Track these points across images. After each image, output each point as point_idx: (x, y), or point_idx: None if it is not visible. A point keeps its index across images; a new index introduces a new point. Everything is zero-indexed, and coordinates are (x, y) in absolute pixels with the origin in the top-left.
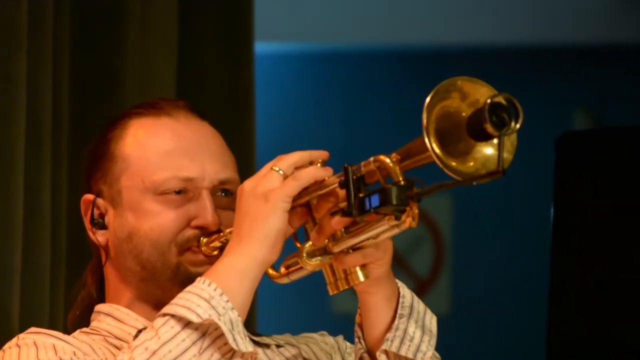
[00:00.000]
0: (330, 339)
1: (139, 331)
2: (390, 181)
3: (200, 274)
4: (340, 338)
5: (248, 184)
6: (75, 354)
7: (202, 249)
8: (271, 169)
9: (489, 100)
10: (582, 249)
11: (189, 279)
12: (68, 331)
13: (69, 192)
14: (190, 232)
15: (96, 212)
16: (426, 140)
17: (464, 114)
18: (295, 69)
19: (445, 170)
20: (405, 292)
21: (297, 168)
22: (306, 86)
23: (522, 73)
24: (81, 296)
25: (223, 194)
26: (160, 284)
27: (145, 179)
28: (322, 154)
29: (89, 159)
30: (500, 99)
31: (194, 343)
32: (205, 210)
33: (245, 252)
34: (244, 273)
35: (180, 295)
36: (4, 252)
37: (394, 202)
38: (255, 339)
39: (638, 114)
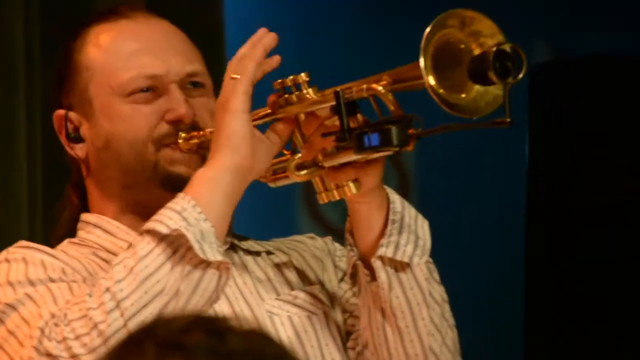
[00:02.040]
0: (319, 242)
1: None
2: (385, 113)
3: (178, 173)
4: (329, 240)
5: (217, 100)
6: (64, 271)
7: (180, 144)
8: (230, 77)
9: (494, 48)
10: (556, 180)
11: (168, 178)
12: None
13: (44, 139)
14: (165, 127)
15: (70, 126)
16: (423, 72)
17: (462, 46)
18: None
19: (437, 101)
20: (395, 198)
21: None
22: (261, 15)
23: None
24: (65, 212)
25: (193, 86)
26: (142, 187)
27: (112, 83)
28: (270, 38)
29: (56, 75)
30: (506, 47)
31: (168, 258)
32: (177, 103)
33: (214, 162)
34: (215, 182)
35: (160, 211)
36: None
37: (395, 142)
38: (244, 246)
39: (597, 43)
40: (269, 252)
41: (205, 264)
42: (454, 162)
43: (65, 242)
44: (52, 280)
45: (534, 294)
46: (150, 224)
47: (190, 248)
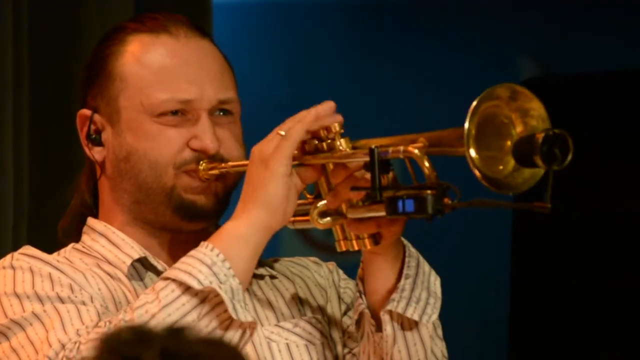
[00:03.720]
0: (324, 269)
1: (133, 262)
2: (420, 180)
3: (192, 202)
4: (333, 267)
5: (255, 148)
6: (72, 288)
7: (200, 173)
8: (276, 133)
9: (543, 133)
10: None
11: (181, 205)
12: (58, 239)
13: (31, 149)
14: (188, 153)
15: (92, 127)
16: (466, 143)
17: (506, 120)
18: (238, 18)
19: (476, 173)
20: (412, 252)
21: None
22: (248, 36)
23: (469, 19)
24: (74, 203)
25: (222, 114)
26: (153, 207)
27: (144, 101)
28: (327, 107)
29: (86, 72)
30: (555, 133)
31: (193, 308)
32: (204, 133)
33: (247, 218)
34: (246, 239)
35: (183, 259)
36: None
37: (429, 211)
38: None
39: (585, 61)
40: (272, 277)
41: (229, 320)
42: None
43: (70, 247)
44: (60, 300)
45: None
46: (176, 273)
47: (219, 303)
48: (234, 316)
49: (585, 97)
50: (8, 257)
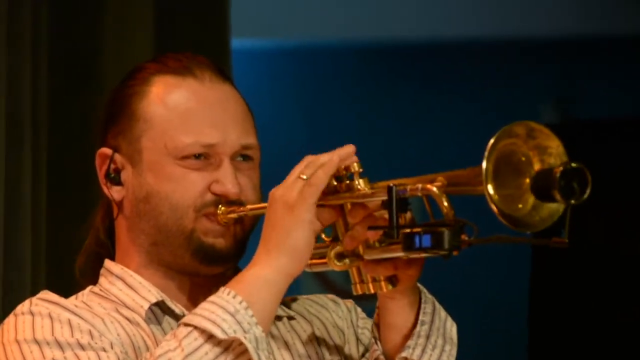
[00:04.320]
0: (343, 309)
1: (151, 306)
2: (438, 216)
3: (211, 245)
4: (351, 305)
5: (277, 192)
6: (91, 334)
7: (219, 217)
8: (298, 176)
9: (561, 167)
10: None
11: (201, 248)
12: (78, 280)
13: (49, 186)
14: (209, 197)
15: (112, 166)
16: (484, 180)
17: (524, 158)
18: (257, 64)
19: (495, 211)
20: (427, 298)
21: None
22: (267, 81)
23: (488, 66)
24: (88, 242)
25: (242, 159)
26: (172, 250)
27: (168, 143)
28: (348, 151)
29: (107, 111)
30: (573, 167)
31: (217, 357)
32: (227, 178)
33: (271, 264)
34: (269, 285)
35: (205, 305)
36: None
37: (446, 247)
38: None
39: (604, 106)
40: (290, 317)
41: None
42: None
43: (88, 290)
44: (81, 347)
45: None
46: (199, 321)
47: (243, 352)
48: None
49: (604, 138)
50: (26, 302)
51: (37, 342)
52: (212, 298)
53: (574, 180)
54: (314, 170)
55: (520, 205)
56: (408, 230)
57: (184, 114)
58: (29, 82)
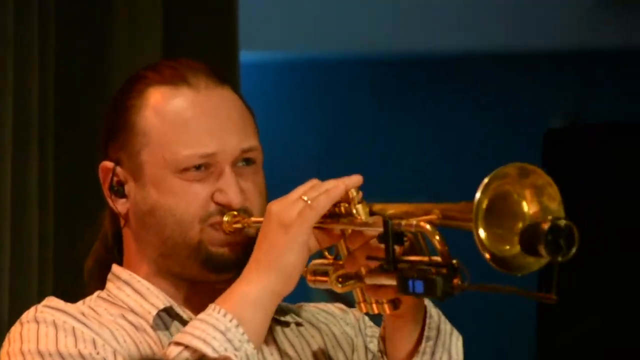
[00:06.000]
0: (350, 317)
1: (159, 311)
2: (432, 251)
3: (220, 254)
4: (360, 314)
5: (275, 207)
6: (95, 343)
7: (224, 225)
8: (300, 197)
9: (549, 223)
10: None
11: (209, 258)
12: (86, 283)
13: (56, 190)
14: (213, 207)
15: (115, 179)
16: (473, 226)
17: (516, 196)
18: (265, 77)
19: (481, 251)
20: (432, 312)
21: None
22: (282, 95)
23: (500, 79)
24: (97, 246)
25: (244, 164)
26: (180, 261)
27: (167, 157)
28: (355, 181)
29: (107, 124)
30: (561, 224)
31: None
32: (229, 188)
33: (261, 282)
34: (258, 303)
35: (195, 324)
36: None
37: (438, 294)
38: (275, 314)
39: (618, 117)
40: (298, 324)
41: None
42: None
43: (95, 295)
44: (82, 357)
45: None
46: (189, 339)
47: None
48: None
49: (611, 146)
50: (32, 309)
51: (40, 353)
52: (201, 316)
53: (560, 237)
54: (318, 194)
55: (507, 247)
56: (405, 266)
57: (180, 126)
58: (37, 87)
